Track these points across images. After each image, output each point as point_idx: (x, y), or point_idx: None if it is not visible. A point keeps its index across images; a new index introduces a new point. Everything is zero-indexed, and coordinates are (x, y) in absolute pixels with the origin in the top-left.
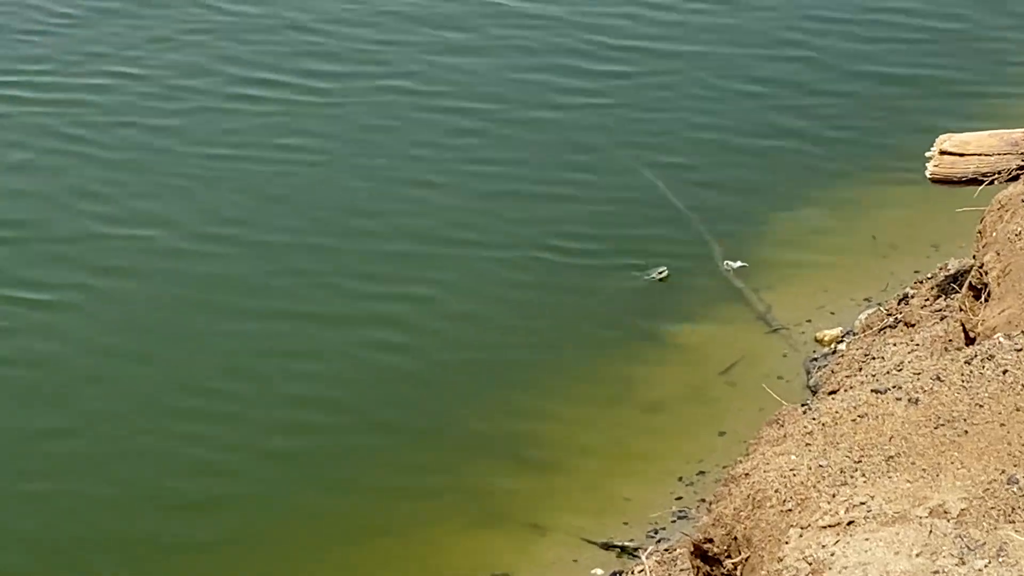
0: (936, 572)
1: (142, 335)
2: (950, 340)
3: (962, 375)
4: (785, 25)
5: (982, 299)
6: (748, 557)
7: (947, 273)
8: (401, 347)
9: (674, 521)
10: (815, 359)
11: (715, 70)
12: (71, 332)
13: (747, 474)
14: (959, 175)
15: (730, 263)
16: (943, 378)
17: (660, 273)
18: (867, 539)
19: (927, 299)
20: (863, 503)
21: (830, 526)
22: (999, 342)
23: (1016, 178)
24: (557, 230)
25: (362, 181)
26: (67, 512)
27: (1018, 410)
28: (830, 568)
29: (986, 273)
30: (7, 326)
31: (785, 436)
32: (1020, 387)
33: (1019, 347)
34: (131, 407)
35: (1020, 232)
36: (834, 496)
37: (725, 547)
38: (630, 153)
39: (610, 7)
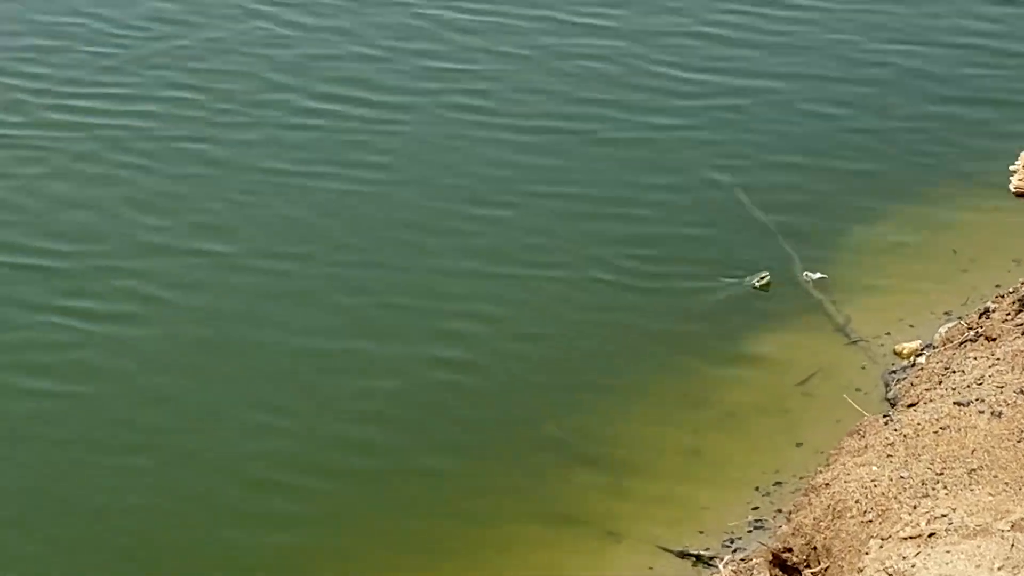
0: None
1: (203, 351)
2: None
3: None
4: (864, 48)
5: None
6: (827, 567)
7: None
8: (472, 357)
9: (750, 531)
10: (894, 372)
11: (793, 92)
12: (132, 346)
13: (827, 484)
14: None
15: (810, 274)
16: None
17: (761, 279)
18: (948, 551)
19: (1008, 313)
20: (944, 515)
21: (911, 538)
22: None
23: None
24: (632, 245)
25: (428, 200)
26: (126, 525)
27: None
28: None
29: None
30: (69, 340)
31: (866, 447)
32: None
33: None
34: (193, 423)
35: None
36: (915, 508)
37: (804, 557)
38: (706, 168)
39: (685, 28)
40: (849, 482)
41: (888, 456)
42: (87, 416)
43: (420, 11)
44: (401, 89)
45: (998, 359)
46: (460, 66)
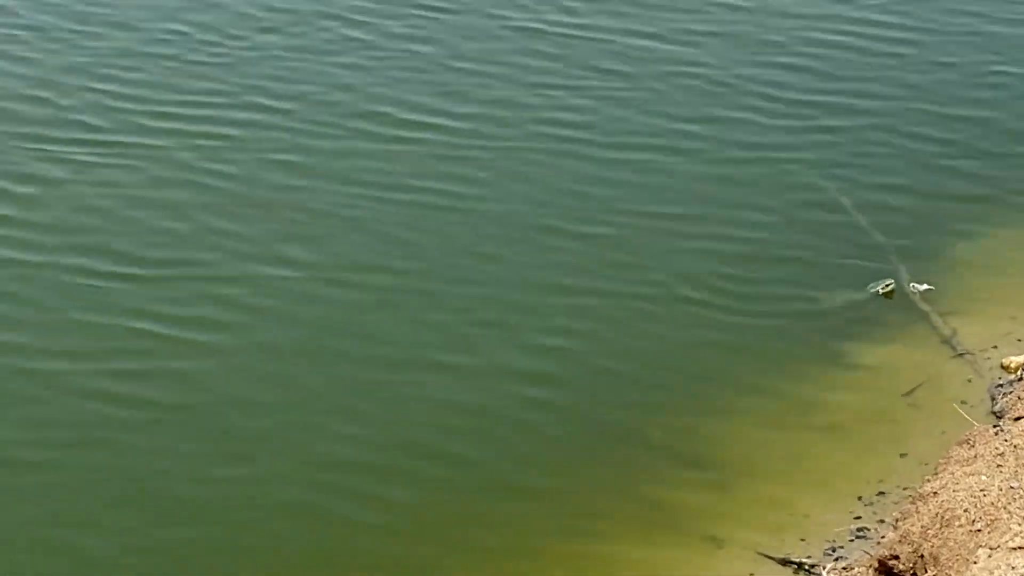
0: None
1: (290, 363)
2: None
3: None
4: (972, 71)
5: None
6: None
7: None
8: (564, 371)
9: (852, 540)
10: (1000, 385)
11: (898, 113)
12: (221, 358)
13: (935, 492)
14: None
15: (916, 286)
16: None
17: (886, 286)
18: None
19: None
20: None
21: (1020, 548)
22: None
23: None
24: (731, 259)
25: (518, 216)
26: (200, 561)
27: None
28: None
29: None
30: (141, 366)
31: (975, 456)
32: None
33: None
34: (282, 434)
35: None
36: None
37: (911, 564)
38: (806, 188)
39: (786, 47)
40: (958, 491)
41: (998, 466)
42: (177, 427)
43: (513, 25)
44: (493, 103)
45: None
46: (553, 80)
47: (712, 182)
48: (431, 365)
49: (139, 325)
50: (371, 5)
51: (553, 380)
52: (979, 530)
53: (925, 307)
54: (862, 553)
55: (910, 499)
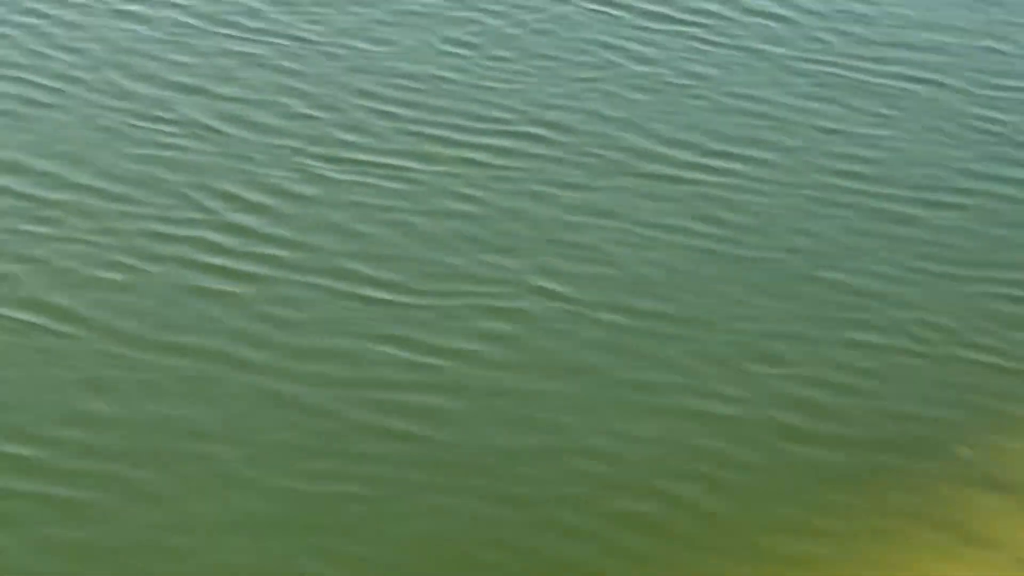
0: None
1: (522, 416)
2: None
3: None
4: None
5: None
6: None
7: None
8: (826, 412)
9: None
10: None
11: None
12: (452, 405)
13: None
14: None
15: None
16: None
17: None
18: None
19: None
20: None
21: None
22: None
23: None
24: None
25: (769, 276)
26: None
27: None
28: None
29: None
30: (389, 396)
31: None
32: None
33: None
34: (498, 493)
35: None
36: None
37: None
38: None
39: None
40: None
41: None
42: (420, 459)
43: (786, 64)
44: (764, 144)
45: None
46: (830, 124)
47: (998, 241)
48: (682, 411)
49: (390, 351)
50: (652, 35)
51: (818, 433)
52: None
53: None
54: None
55: None
